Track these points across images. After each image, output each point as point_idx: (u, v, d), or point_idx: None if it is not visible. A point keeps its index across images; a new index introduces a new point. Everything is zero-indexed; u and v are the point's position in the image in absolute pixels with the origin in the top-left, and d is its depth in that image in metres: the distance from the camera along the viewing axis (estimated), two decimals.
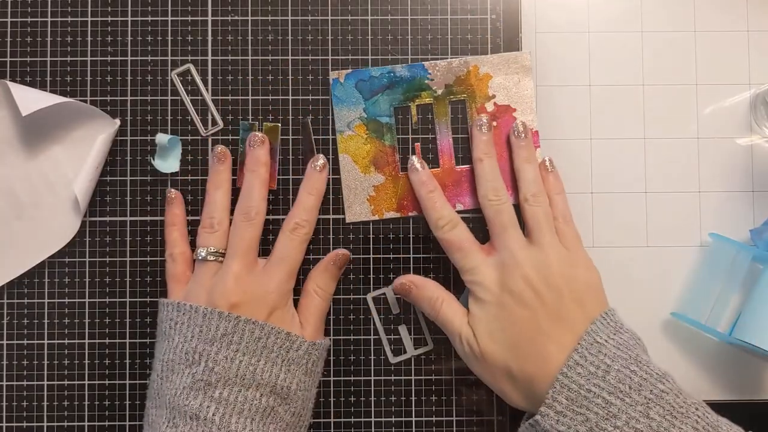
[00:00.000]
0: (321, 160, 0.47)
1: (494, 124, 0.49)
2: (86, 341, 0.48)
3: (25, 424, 0.48)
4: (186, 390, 0.40)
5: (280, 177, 0.48)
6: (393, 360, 0.48)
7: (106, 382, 0.48)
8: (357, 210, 0.48)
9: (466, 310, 0.44)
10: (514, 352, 0.41)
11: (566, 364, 0.40)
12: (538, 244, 0.43)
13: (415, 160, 0.47)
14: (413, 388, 0.48)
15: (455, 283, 0.48)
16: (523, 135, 0.47)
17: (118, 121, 0.48)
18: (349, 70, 0.49)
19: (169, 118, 0.49)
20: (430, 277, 0.48)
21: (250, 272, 0.44)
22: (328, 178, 0.48)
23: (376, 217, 0.48)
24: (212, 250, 0.44)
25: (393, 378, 0.48)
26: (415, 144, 0.49)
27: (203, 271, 0.44)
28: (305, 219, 0.45)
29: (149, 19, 0.49)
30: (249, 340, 0.41)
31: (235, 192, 0.48)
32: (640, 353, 0.41)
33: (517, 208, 0.46)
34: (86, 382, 0.48)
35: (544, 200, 0.45)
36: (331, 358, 0.48)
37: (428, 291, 0.45)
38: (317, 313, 0.46)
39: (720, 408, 0.48)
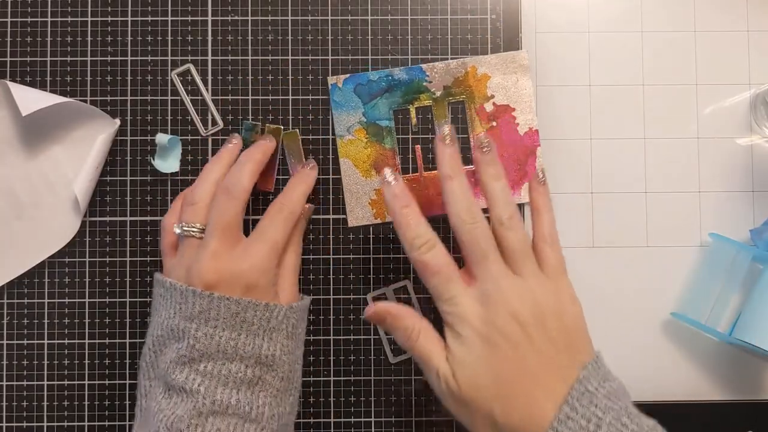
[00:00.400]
0: (312, 162, 0.47)
1: (494, 124, 0.49)
2: (86, 341, 0.48)
3: (25, 424, 0.48)
4: (173, 364, 0.40)
5: (279, 177, 0.48)
6: (393, 360, 0.48)
7: (106, 382, 0.48)
8: (359, 214, 0.49)
9: (444, 342, 0.40)
10: (499, 399, 0.37)
11: (557, 417, 0.36)
12: (520, 274, 0.39)
13: (388, 173, 0.42)
14: (413, 388, 0.48)
15: None
16: (488, 149, 0.42)
17: (118, 121, 0.48)
18: (347, 75, 0.49)
19: (169, 118, 0.49)
20: None
21: (228, 250, 0.42)
22: (329, 179, 0.48)
23: (378, 221, 0.48)
24: (188, 226, 0.43)
25: (393, 378, 0.48)
26: (416, 146, 0.49)
27: (184, 246, 0.44)
28: (291, 200, 0.44)
29: (149, 19, 0.49)
30: (226, 316, 0.41)
31: None
32: (629, 403, 0.38)
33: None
34: (86, 382, 0.48)
35: (519, 222, 0.40)
36: (331, 358, 0.48)
37: (404, 320, 0.40)
38: (293, 270, 0.45)
39: (720, 408, 0.48)
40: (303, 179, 0.46)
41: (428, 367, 0.39)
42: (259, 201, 0.48)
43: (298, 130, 0.48)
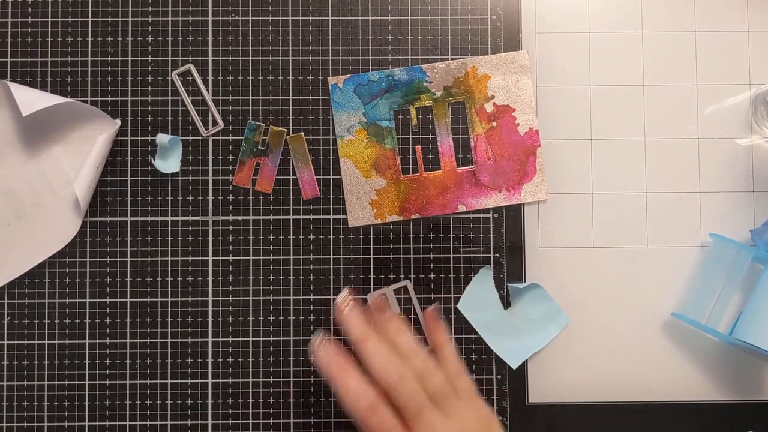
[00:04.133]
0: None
1: (494, 124, 0.49)
2: (86, 341, 0.48)
3: (25, 424, 0.48)
4: None
5: (279, 178, 0.48)
6: None
7: (107, 382, 0.48)
8: (359, 214, 0.49)
9: None
10: None
11: None
12: (447, 414, 0.43)
13: (319, 340, 0.44)
14: None
15: (454, 282, 0.48)
16: (383, 309, 0.44)
17: (118, 121, 0.48)
18: (348, 75, 0.49)
19: (170, 118, 0.49)
20: (430, 278, 0.48)
21: None
22: (330, 179, 0.49)
23: (378, 221, 0.48)
24: None
25: None
26: (416, 146, 0.49)
27: None
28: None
29: (149, 19, 0.49)
30: None
31: (235, 191, 0.48)
32: None
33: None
34: (86, 382, 0.48)
35: (432, 367, 0.43)
36: None
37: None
38: None
39: (720, 408, 0.48)
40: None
41: None
42: (259, 201, 0.48)
43: (302, 133, 0.48)
